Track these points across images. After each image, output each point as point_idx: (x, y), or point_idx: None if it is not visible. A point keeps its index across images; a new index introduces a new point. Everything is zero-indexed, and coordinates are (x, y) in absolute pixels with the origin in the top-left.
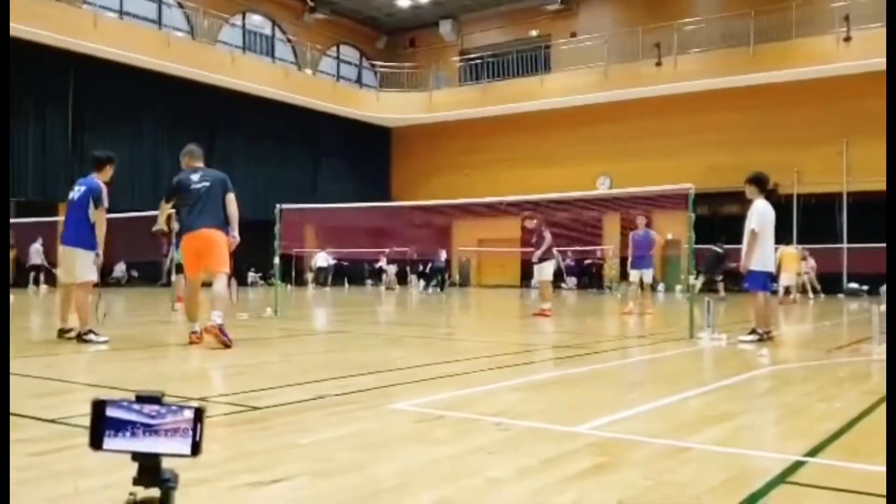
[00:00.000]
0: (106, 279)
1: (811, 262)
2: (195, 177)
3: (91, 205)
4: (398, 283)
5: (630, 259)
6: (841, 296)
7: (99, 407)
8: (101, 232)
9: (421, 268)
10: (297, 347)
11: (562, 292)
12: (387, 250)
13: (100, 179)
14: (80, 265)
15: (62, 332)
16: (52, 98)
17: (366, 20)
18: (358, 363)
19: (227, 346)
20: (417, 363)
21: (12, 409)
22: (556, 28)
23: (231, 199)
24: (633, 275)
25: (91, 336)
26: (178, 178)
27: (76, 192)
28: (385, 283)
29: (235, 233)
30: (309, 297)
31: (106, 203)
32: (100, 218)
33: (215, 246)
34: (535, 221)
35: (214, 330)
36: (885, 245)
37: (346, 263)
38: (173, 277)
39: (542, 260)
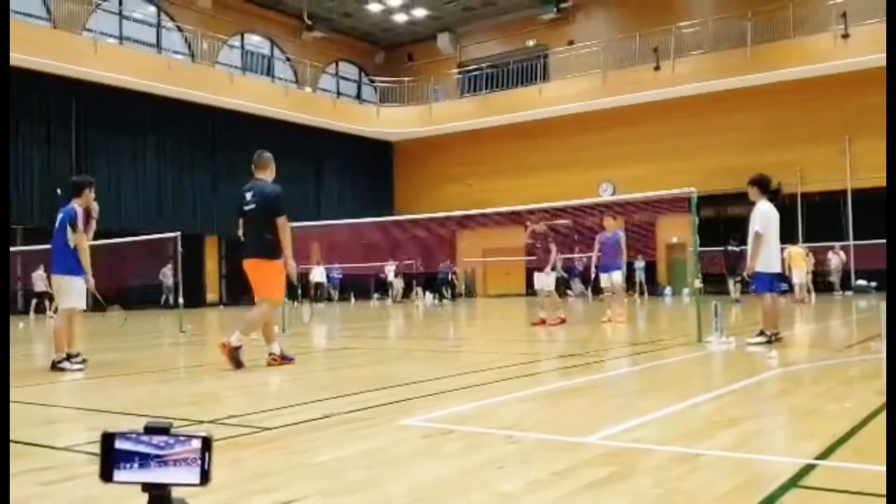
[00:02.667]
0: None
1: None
2: (248, 195)
3: (69, 229)
4: (404, 295)
5: (597, 263)
6: (849, 293)
7: (108, 439)
8: (83, 256)
9: (423, 280)
10: (306, 365)
11: (568, 299)
12: (395, 263)
13: (79, 205)
14: (65, 291)
15: (68, 357)
16: (56, 125)
17: (363, 36)
18: (366, 379)
19: (238, 366)
20: (425, 377)
21: (22, 437)
22: (552, 37)
23: (281, 223)
24: (604, 279)
25: (65, 364)
26: (241, 192)
27: (57, 220)
28: (392, 297)
29: (289, 259)
30: (315, 314)
31: (82, 226)
32: (79, 241)
33: (259, 277)
34: (544, 227)
35: (226, 347)
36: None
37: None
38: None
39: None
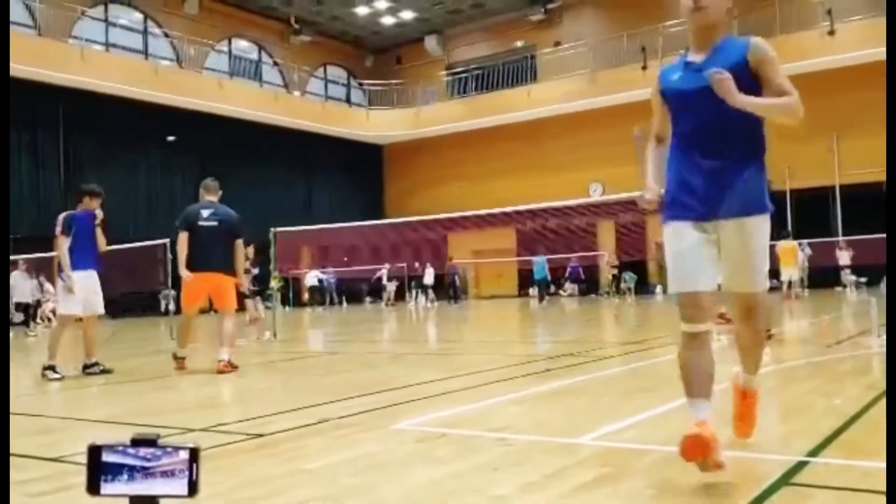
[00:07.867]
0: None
1: (807, 252)
2: (205, 212)
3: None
4: (396, 297)
5: None
6: (839, 289)
7: (95, 452)
8: (63, 259)
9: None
10: (298, 370)
11: (561, 298)
12: (388, 266)
13: (80, 210)
14: (60, 298)
15: (85, 368)
16: (43, 133)
17: (352, 40)
18: (359, 384)
19: (231, 370)
20: (418, 381)
21: (12, 448)
22: (540, 38)
23: (238, 245)
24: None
25: (48, 372)
26: (188, 210)
27: None
28: (384, 300)
29: (241, 279)
30: (307, 319)
31: (59, 229)
32: (58, 245)
33: (222, 290)
34: None
35: (222, 367)
36: (880, 236)
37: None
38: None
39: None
